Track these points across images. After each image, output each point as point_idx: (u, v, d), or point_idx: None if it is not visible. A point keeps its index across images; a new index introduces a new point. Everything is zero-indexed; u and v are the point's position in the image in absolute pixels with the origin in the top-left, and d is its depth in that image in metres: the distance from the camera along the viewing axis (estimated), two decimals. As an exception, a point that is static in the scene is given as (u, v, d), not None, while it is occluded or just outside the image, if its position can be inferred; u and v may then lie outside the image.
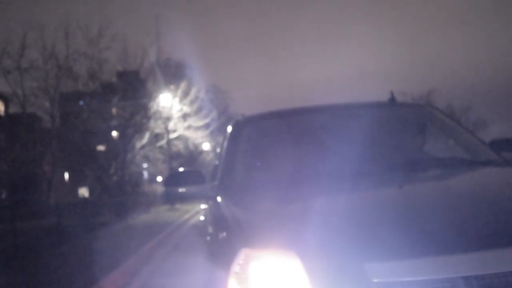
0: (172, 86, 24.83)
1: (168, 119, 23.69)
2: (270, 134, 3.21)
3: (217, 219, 2.49)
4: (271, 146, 3.06)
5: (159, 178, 44.29)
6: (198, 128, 25.65)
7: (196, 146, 32.37)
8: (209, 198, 2.94)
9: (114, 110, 22.04)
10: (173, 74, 28.26)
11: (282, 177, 2.65)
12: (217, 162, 3.87)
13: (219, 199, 2.61)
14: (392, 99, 3.31)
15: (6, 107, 47.21)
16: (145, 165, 30.26)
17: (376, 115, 3.11)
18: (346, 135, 2.78)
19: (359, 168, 2.48)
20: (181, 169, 3.82)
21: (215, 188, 2.83)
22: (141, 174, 37.59)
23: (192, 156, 38.15)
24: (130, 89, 21.30)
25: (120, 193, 20.55)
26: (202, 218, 6.94)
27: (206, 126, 26.57)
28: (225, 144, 3.16)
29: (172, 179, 3.11)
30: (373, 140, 2.80)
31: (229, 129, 3.30)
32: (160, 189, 35.41)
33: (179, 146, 27.90)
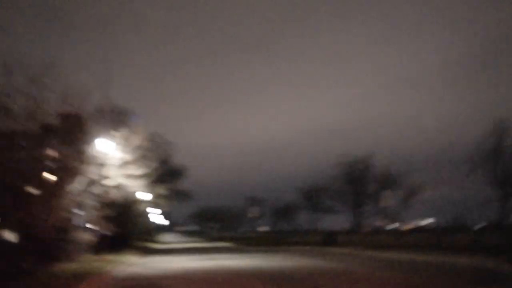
0: (113, 132, 24.37)
1: (102, 165, 23.09)
2: None
3: None
4: None
5: (89, 225, 42.62)
6: (137, 177, 25.15)
7: (131, 195, 31.55)
8: None
9: (51, 152, 21.22)
10: (117, 120, 27.78)
11: None
12: None
13: None
14: None
15: None
16: (75, 211, 29.08)
17: None
18: None
19: None
20: None
21: None
22: (71, 220, 35.95)
23: (126, 204, 37.06)
24: (70, 132, 20.72)
25: (47, 239, 19.58)
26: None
27: (145, 175, 26.09)
28: None
29: None
30: None
31: None
32: (89, 236, 33.83)
33: (114, 193, 27.11)
